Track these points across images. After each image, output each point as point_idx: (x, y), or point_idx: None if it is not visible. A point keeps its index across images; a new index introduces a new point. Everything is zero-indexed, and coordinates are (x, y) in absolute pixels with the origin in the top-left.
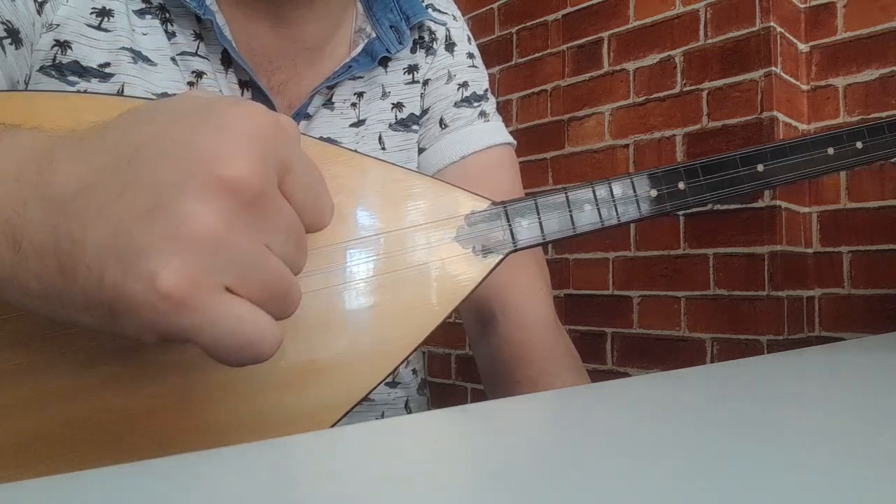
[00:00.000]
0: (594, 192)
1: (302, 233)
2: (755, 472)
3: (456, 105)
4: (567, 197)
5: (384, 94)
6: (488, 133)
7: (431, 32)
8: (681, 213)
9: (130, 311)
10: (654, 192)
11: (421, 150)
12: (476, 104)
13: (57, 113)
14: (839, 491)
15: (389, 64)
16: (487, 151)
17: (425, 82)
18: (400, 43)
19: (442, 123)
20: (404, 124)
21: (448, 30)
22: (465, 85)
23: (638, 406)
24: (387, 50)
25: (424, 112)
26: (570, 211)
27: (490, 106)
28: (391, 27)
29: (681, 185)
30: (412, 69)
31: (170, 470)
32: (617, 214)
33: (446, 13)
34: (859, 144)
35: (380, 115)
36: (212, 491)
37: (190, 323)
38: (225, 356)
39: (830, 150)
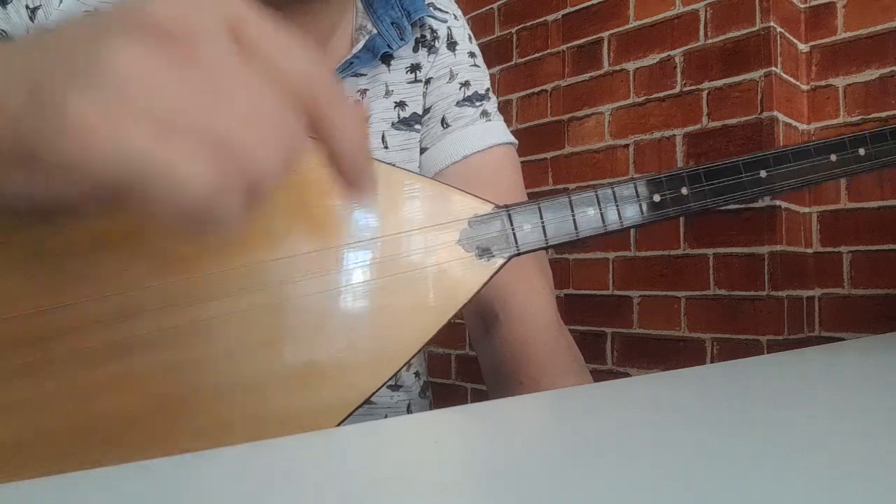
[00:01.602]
0: (597, 196)
1: (277, 94)
2: (755, 471)
3: (458, 104)
4: (570, 201)
5: (387, 93)
6: (490, 132)
7: (433, 31)
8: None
9: (43, 145)
10: (657, 197)
11: (423, 150)
12: (478, 103)
13: None
14: (839, 491)
15: (392, 62)
16: (489, 151)
17: (427, 81)
18: (402, 39)
19: (444, 123)
20: (407, 123)
21: (449, 28)
22: (466, 84)
23: (638, 406)
24: (388, 46)
25: (426, 111)
26: (574, 215)
27: (492, 105)
28: (392, 24)
29: (684, 191)
30: (415, 68)
31: (170, 470)
32: (620, 219)
33: (447, 12)
34: (862, 151)
35: (383, 114)
36: (212, 491)
37: (99, 153)
38: (137, 195)
39: (833, 157)
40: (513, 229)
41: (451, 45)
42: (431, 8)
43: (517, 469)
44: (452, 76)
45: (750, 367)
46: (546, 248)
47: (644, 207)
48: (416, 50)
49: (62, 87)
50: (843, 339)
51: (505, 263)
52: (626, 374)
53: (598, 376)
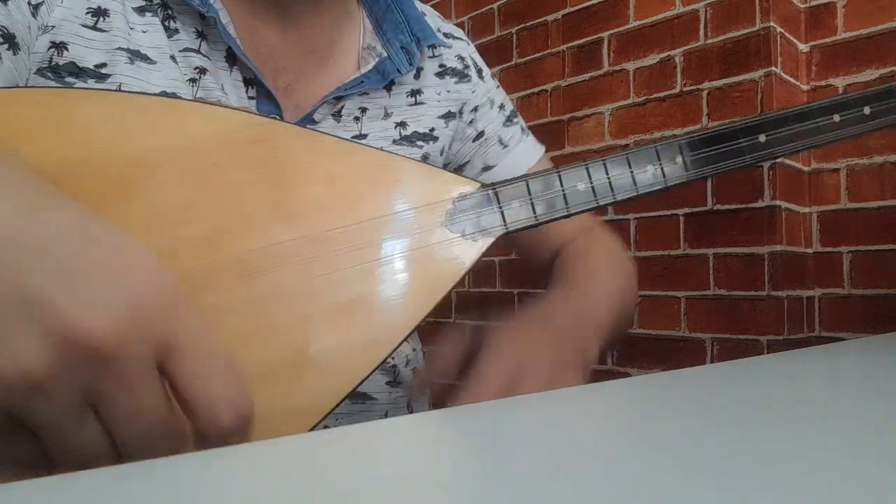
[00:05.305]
0: (588, 170)
1: (163, 423)
2: (755, 471)
3: (504, 125)
4: (559, 176)
5: (386, 115)
6: (534, 145)
7: (462, 59)
8: (680, 183)
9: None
10: (650, 168)
11: (486, 168)
12: (515, 121)
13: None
14: (839, 491)
15: (393, 88)
16: (540, 161)
17: (474, 109)
18: (410, 64)
19: (501, 143)
20: (409, 140)
21: (471, 56)
22: (502, 107)
23: (638, 406)
24: (398, 70)
25: (480, 134)
26: (563, 190)
27: (522, 121)
28: (402, 48)
29: (679, 160)
30: (415, 93)
31: (170, 470)
32: (612, 192)
33: (460, 38)
34: (867, 110)
35: (382, 133)
36: (212, 491)
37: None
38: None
39: (836, 118)
40: (500, 207)
41: (479, 71)
42: (440, 33)
43: (517, 469)
44: (492, 103)
45: (750, 367)
46: (536, 226)
47: (637, 179)
48: (416, 77)
49: None
50: (843, 339)
51: (494, 242)
52: (626, 374)
53: (598, 376)
